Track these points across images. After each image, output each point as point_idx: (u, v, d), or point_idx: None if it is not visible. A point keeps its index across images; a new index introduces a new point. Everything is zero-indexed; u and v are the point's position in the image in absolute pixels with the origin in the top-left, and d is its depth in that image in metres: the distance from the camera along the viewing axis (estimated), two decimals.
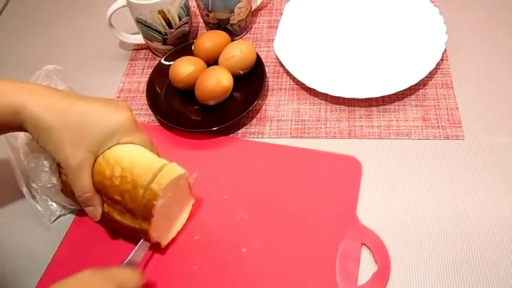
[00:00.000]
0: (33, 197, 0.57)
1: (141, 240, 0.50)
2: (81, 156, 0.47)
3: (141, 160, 0.49)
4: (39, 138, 0.47)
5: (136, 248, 0.49)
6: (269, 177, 0.58)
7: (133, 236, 0.51)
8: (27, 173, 0.55)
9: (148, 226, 0.48)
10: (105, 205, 0.50)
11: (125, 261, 0.48)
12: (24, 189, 0.56)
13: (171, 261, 0.52)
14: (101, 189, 0.49)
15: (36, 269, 0.54)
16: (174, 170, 0.49)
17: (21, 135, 0.55)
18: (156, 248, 0.52)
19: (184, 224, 0.54)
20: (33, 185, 0.56)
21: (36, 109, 0.46)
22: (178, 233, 0.54)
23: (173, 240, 0.54)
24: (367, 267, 0.50)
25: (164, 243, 0.52)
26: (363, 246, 0.51)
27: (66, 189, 0.52)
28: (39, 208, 0.57)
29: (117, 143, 0.49)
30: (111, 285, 0.40)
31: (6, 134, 0.54)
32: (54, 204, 0.57)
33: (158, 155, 0.52)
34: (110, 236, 0.55)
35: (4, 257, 0.55)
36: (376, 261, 0.50)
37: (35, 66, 0.74)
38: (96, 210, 0.50)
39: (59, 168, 0.51)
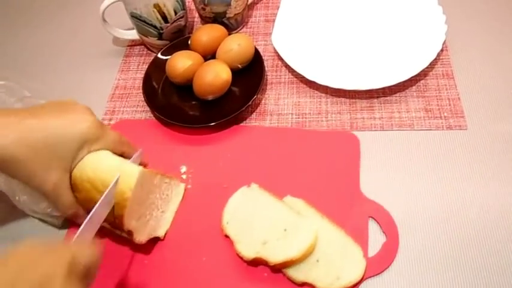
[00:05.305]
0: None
1: (93, 209, 0.43)
2: (54, 178, 0.45)
3: (121, 170, 0.47)
4: (7, 171, 0.44)
5: (87, 218, 0.42)
6: (270, 160, 0.58)
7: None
8: (22, 206, 0.53)
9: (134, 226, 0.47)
10: None
11: (76, 234, 0.41)
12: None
13: (178, 253, 0.52)
14: (90, 204, 0.46)
15: None
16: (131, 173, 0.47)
17: None
18: (155, 240, 0.51)
19: (187, 213, 0.54)
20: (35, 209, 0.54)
21: None
22: (182, 222, 0.53)
23: (177, 231, 0.53)
24: (376, 239, 0.51)
25: (162, 233, 0.52)
26: (370, 218, 0.52)
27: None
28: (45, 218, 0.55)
29: (88, 152, 0.47)
30: (61, 262, 0.33)
31: None
32: None
33: (130, 145, 0.51)
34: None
35: None
36: (384, 233, 0.51)
37: (27, 67, 0.73)
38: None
39: None
